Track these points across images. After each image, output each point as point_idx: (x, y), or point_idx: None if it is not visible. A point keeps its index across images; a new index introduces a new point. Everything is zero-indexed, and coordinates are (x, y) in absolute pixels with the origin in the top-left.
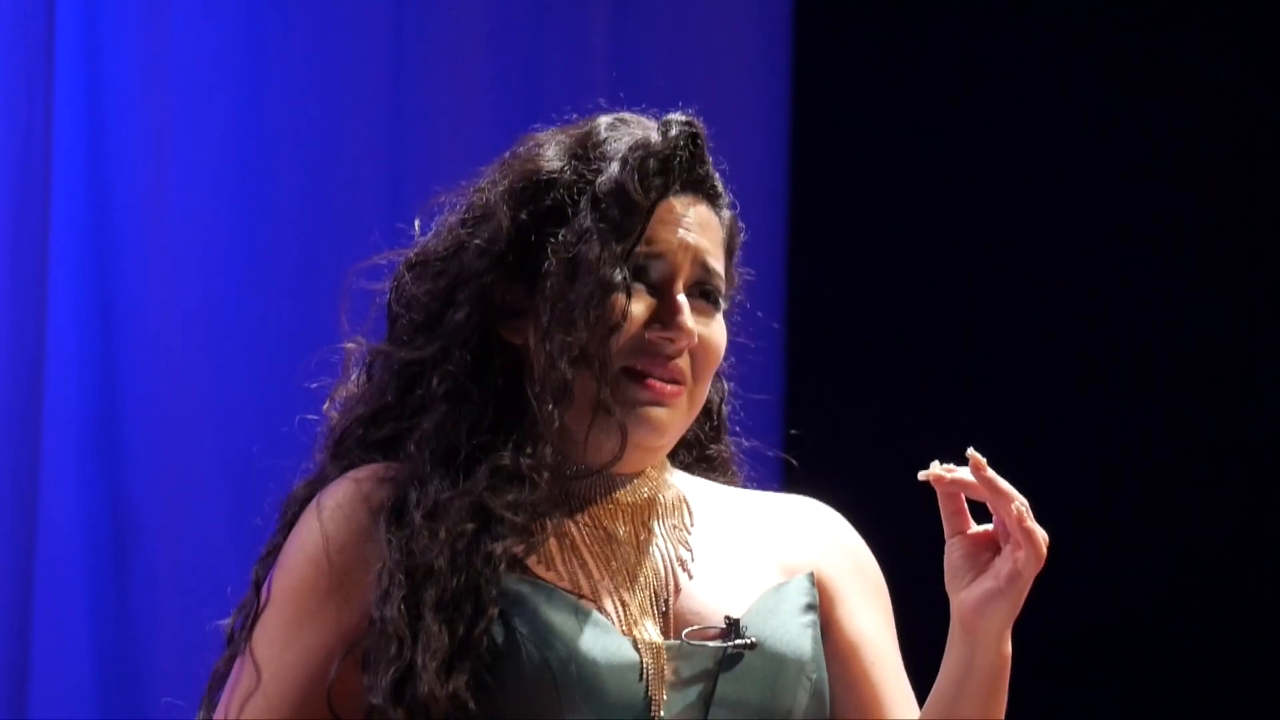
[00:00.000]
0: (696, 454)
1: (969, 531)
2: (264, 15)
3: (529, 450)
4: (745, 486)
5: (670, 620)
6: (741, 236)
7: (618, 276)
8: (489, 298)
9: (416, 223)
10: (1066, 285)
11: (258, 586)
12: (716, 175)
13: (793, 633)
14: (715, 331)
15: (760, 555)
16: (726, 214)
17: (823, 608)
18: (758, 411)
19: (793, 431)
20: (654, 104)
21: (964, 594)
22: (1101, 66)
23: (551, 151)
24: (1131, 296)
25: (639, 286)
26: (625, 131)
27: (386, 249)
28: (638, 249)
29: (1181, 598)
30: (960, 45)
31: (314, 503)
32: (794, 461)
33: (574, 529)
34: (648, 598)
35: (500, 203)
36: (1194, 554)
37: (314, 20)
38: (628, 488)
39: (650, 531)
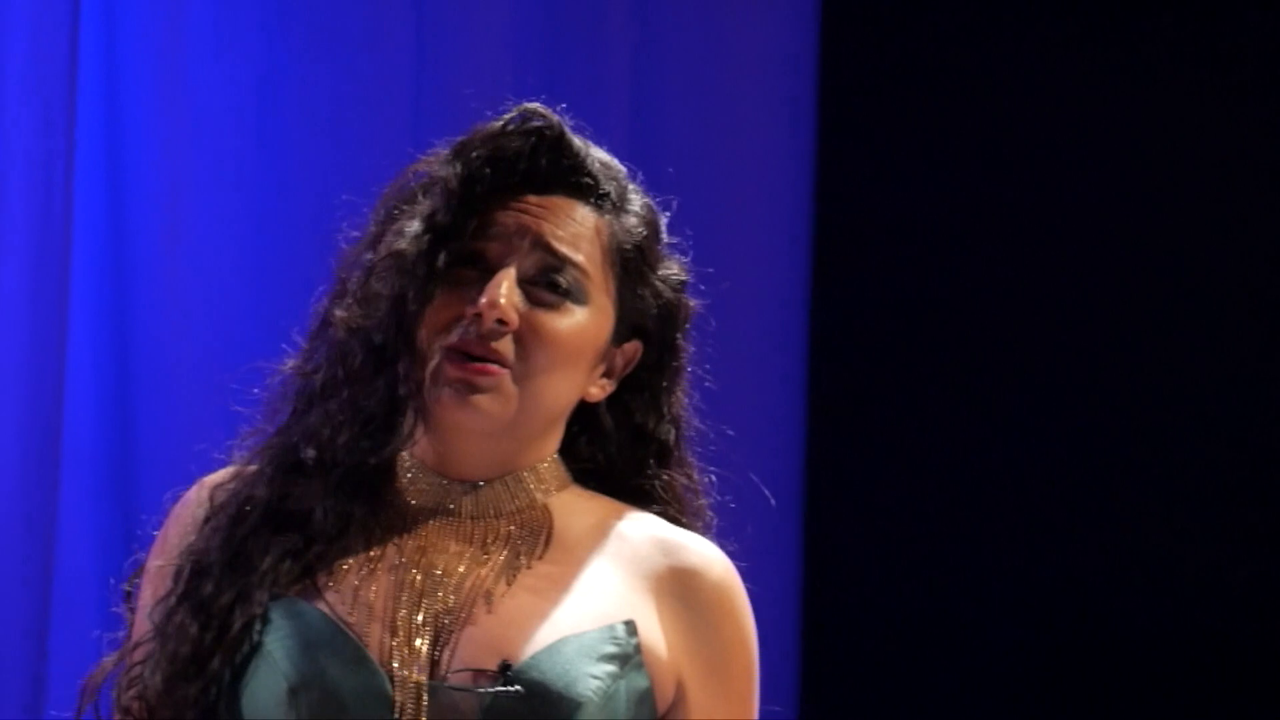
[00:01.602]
0: (617, 484)
1: None
2: (282, 29)
3: (336, 439)
4: (691, 524)
5: (453, 655)
6: (651, 244)
7: (412, 251)
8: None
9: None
10: (1093, 312)
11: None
12: (593, 173)
13: (574, 682)
14: (555, 321)
15: (590, 600)
16: (612, 217)
17: (673, 683)
18: (773, 446)
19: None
20: (676, 126)
21: None
22: (1132, 100)
23: (430, 159)
24: (1156, 321)
25: (472, 273)
26: (485, 129)
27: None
28: (469, 243)
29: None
30: (985, 73)
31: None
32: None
33: (390, 544)
34: (432, 628)
35: (378, 207)
36: (1226, 568)
37: (334, 33)
38: (484, 498)
39: (484, 554)
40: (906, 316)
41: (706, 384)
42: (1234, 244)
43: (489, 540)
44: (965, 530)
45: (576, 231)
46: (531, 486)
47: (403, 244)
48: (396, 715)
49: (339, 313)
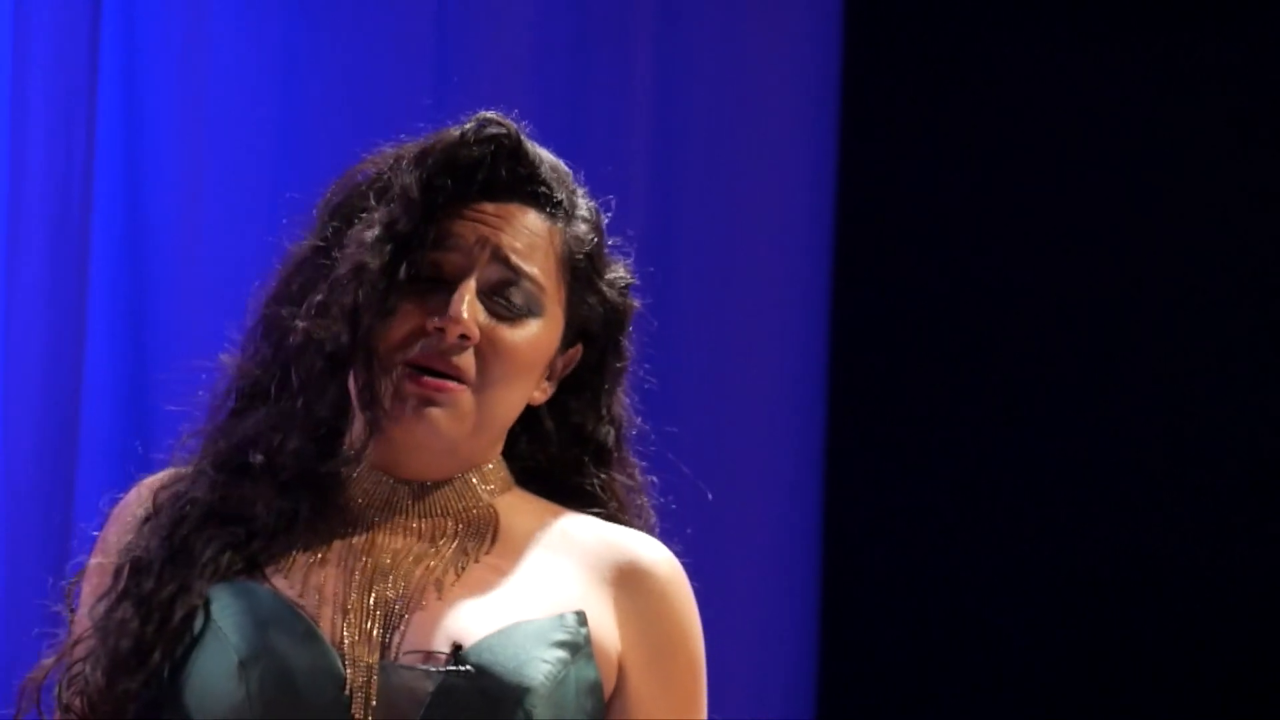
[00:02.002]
0: (556, 484)
1: None
2: (303, 24)
3: (293, 447)
4: (633, 523)
5: (404, 639)
6: (599, 252)
7: (374, 263)
8: (293, 303)
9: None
10: (1116, 312)
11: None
12: (546, 183)
13: (523, 666)
14: (513, 335)
15: (540, 592)
16: (565, 225)
17: (619, 673)
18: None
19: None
20: (699, 124)
21: None
22: (1159, 98)
23: (378, 159)
24: (1182, 321)
25: (431, 284)
26: (442, 134)
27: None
28: (431, 254)
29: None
30: (1010, 70)
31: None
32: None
33: (337, 539)
34: (383, 614)
35: (321, 213)
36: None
37: (355, 28)
38: (432, 499)
39: (430, 548)
40: (928, 315)
41: (728, 383)
42: (1264, 240)
43: (436, 536)
44: (987, 532)
45: (532, 242)
46: (478, 487)
47: (364, 255)
48: (347, 693)
49: (300, 321)
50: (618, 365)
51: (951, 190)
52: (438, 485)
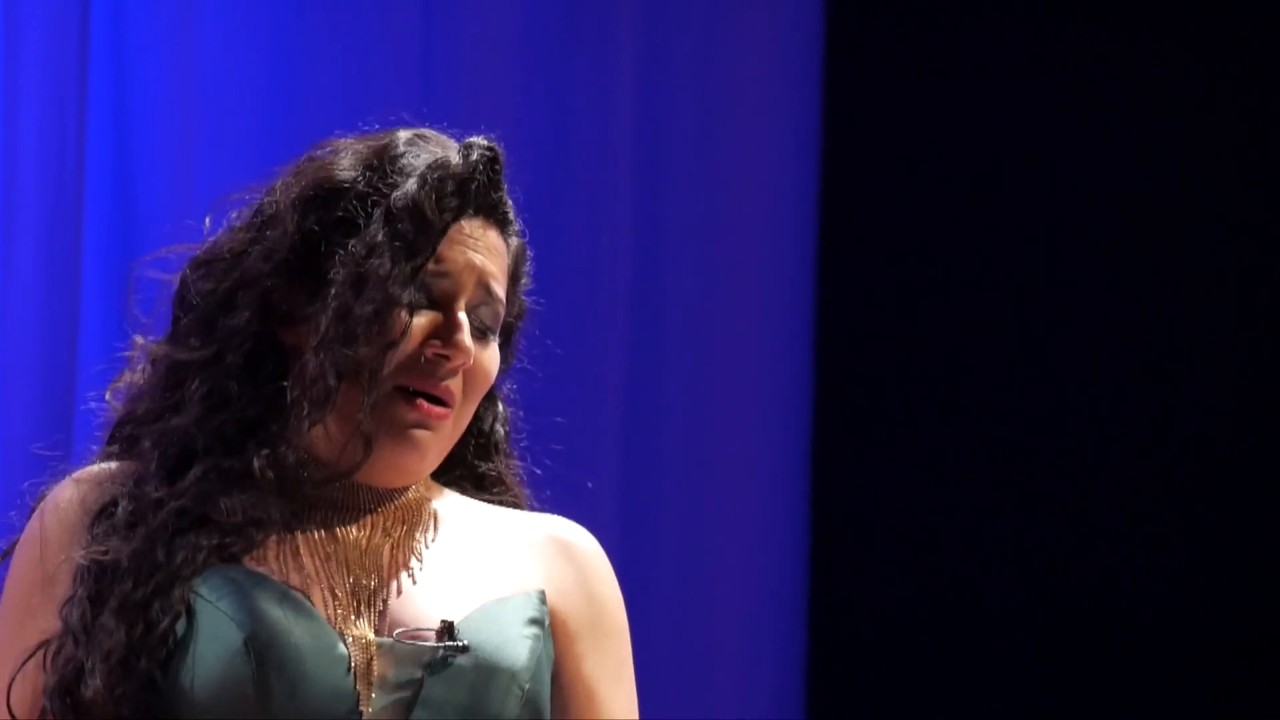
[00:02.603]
0: (463, 471)
1: None
2: (292, 27)
3: (265, 453)
4: (532, 507)
5: (386, 621)
6: (527, 265)
7: (405, 296)
8: (269, 302)
9: (207, 220)
10: (1105, 306)
11: None
12: (509, 202)
13: (509, 642)
14: (488, 357)
15: (496, 572)
16: (515, 241)
17: (555, 644)
18: (781, 426)
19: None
20: (683, 117)
21: None
22: (1143, 91)
23: (347, 160)
24: (1172, 313)
25: (422, 303)
26: (424, 149)
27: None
28: (428, 269)
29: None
30: (994, 64)
31: (39, 505)
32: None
33: (300, 532)
34: (364, 597)
35: (290, 208)
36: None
37: (343, 22)
38: (376, 493)
39: (387, 537)
40: (913, 306)
41: (715, 378)
42: (1260, 234)
43: (389, 526)
44: (977, 524)
45: (501, 265)
46: (424, 485)
47: (388, 282)
48: (351, 671)
49: (329, 348)
50: (510, 361)
51: (937, 181)
52: (386, 487)
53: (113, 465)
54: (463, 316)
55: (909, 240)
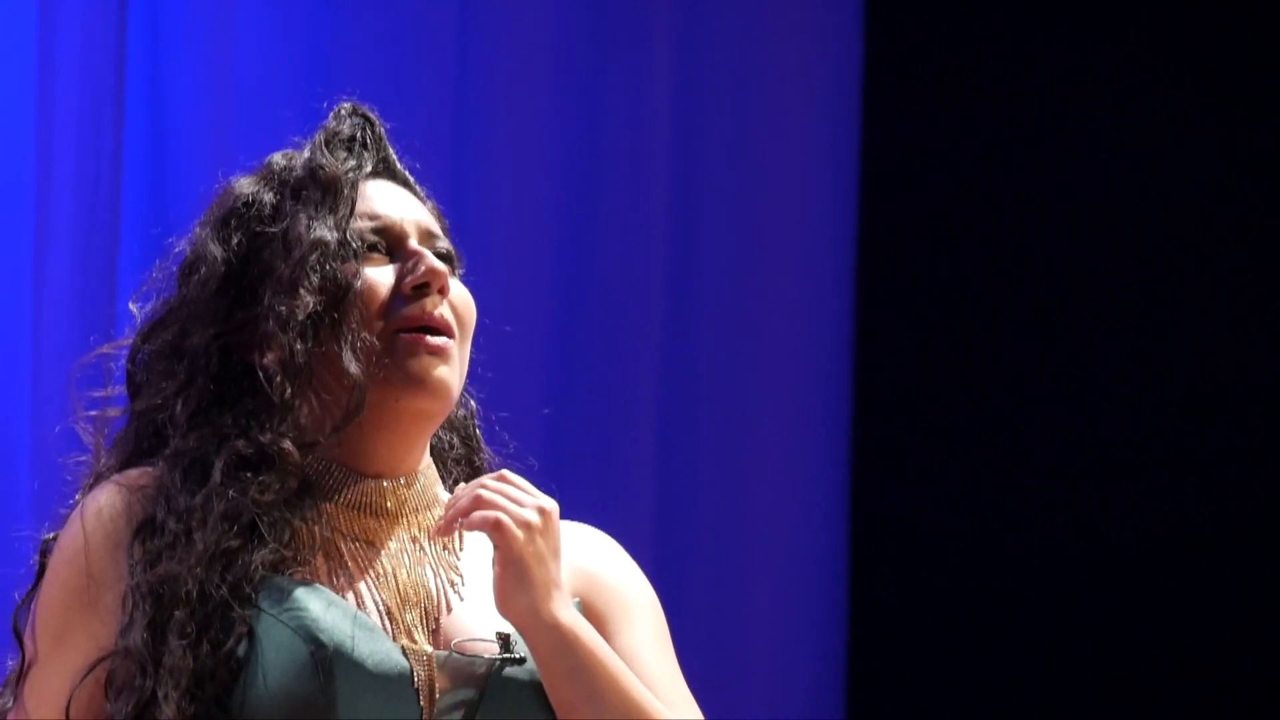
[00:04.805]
0: (466, 469)
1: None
2: (327, 30)
3: (269, 434)
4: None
5: (440, 637)
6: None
7: (330, 236)
8: (221, 321)
9: (133, 305)
10: (1143, 302)
11: (19, 637)
12: (407, 170)
13: None
14: (463, 290)
15: None
16: (432, 204)
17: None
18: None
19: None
20: (720, 121)
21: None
22: (1180, 87)
23: (244, 181)
24: (1209, 326)
25: (375, 256)
26: (306, 146)
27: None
28: (360, 225)
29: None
30: (1035, 57)
31: (79, 509)
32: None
33: (342, 545)
34: (418, 614)
35: (207, 239)
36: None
37: (378, 19)
38: (400, 495)
39: (422, 551)
40: (954, 305)
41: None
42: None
43: (416, 533)
44: (1018, 524)
45: (430, 218)
46: (431, 484)
47: (316, 232)
48: (415, 685)
49: (280, 307)
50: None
51: (979, 188)
52: (405, 483)
53: (151, 470)
54: (421, 248)
55: (950, 247)
